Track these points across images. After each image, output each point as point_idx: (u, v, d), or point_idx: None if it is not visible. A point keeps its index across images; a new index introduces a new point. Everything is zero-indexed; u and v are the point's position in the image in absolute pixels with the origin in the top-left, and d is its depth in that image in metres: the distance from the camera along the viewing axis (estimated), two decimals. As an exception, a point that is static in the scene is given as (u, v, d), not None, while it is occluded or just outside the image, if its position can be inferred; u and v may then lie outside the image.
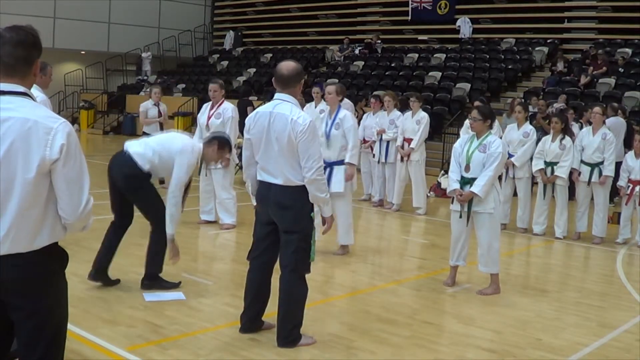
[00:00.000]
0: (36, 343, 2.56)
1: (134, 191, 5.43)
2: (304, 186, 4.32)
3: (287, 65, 4.42)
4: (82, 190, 2.57)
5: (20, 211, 2.46)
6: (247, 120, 4.53)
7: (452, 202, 6.01)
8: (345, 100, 12.78)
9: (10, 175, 2.44)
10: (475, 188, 5.73)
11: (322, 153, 6.97)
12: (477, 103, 9.35)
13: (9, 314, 2.55)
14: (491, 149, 5.79)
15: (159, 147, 5.43)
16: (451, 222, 6.12)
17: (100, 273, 5.52)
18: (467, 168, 5.85)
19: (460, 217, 5.91)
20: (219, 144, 5.57)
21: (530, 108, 12.46)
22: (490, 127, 6.04)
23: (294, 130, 4.23)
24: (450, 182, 5.98)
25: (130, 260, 5.87)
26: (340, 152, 7.07)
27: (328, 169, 6.91)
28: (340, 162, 7.08)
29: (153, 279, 5.52)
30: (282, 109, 4.33)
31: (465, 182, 5.86)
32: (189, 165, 5.36)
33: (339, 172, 7.07)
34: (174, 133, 5.76)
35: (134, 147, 5.44)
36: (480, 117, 5.88)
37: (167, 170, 5.42)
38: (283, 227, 4.39)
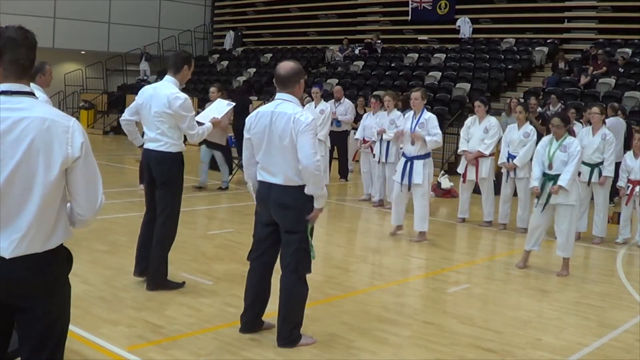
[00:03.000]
0: (44, 344, 2.55)
1: (169, 182, 5.48)
2: (304, 186, 4.32)
3: (285, 66, 4.44)
4: (98, 186, 2.61)
5: (41, 210, 2.46)
6: (247, 120, 4.53)
7: (536, 198, 6.90)
8: (346, 100, 12.85)
9: (30, 175, 2.44)
10: (563, 182, 6.63)
11: (405, 149, 8.15)
12: (477, 103, 9.35)
13: (13, 316, 2.53)
14: (571, 148, 6.74)
15: (162, 125, 5.40)
16: (534, 212, 7.00)
17: (145, 274, 5.65)
18: (550, 166, 6.78)
19: (536, 206, 6.84)
20: (183, 63, 5.50)
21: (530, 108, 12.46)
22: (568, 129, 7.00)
23: (296, 127, 4.23)
24: (532, 179, 6.95)
25: (130, 260, 5.86)
26: (420, 149, 8.05)
27: (409, 163, 8.06)
28: (419, 157, 8.06)
29: (159, 286, 5.53)
30: (284, 108, 4.34)
31: (550, 178, 6.76)
32: (188, 106, 5.41)
33: (418, 166, 8.04)
34: (142, 108, 5.62)
35: (153, 145, 5.48)
36: (563, 123, 6.85)
37: (180, 129, 5.48)
38: (284, 227, 4.39)
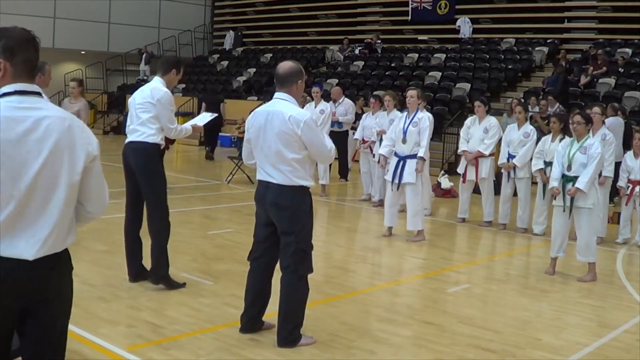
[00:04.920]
0: (50, 342, 2.52)
1: (148, 170, 5.48)
2: (300, 186, 4.35)
3: (284, 65, 4.47)
4: (105, 185, 2.65)
5: (64, 209, 2.45)
6: (247, 121, 4.60)
7: (555, 199, 6.72)
8: (346, 99, 12.84)
9: (54, 173, 2.42)
10: (580, 184, 6.46)
11: (398, 148, 8.15)
12: (477, 103, 9.35)
13: (23, 317, 2.46)
14: (591, 150, 6.58)
15: (143, 114, 5.46)
16: (554, 217, 6.81)
17: (140, 277, 5.67)
18: (569, 168, 6.64)
19: (564, 211, 6.61)
20: (171, 67, 5.63)
21: (530, 108, 12.46)
22: (589, 130, 6.85)
23: (294, 127, 4.25)
24: (551, 180, 6.78)
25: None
26: (413, 148, 8.10)
27: (401, 162, 8.10)
28: (412, 156, 8.09)
29: (161, 279, 5.54)
30: (279, 107, 4.36)
31: (568, 180, 6.61)
32: (168, 99, 5.49)
33: (411, 165, 8.09)
34: (135, 104, 5.66)
35: (132, 136, 5.52)
36: (584, 121, 6.70)
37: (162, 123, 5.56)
38: (281, 228, 4.40)
